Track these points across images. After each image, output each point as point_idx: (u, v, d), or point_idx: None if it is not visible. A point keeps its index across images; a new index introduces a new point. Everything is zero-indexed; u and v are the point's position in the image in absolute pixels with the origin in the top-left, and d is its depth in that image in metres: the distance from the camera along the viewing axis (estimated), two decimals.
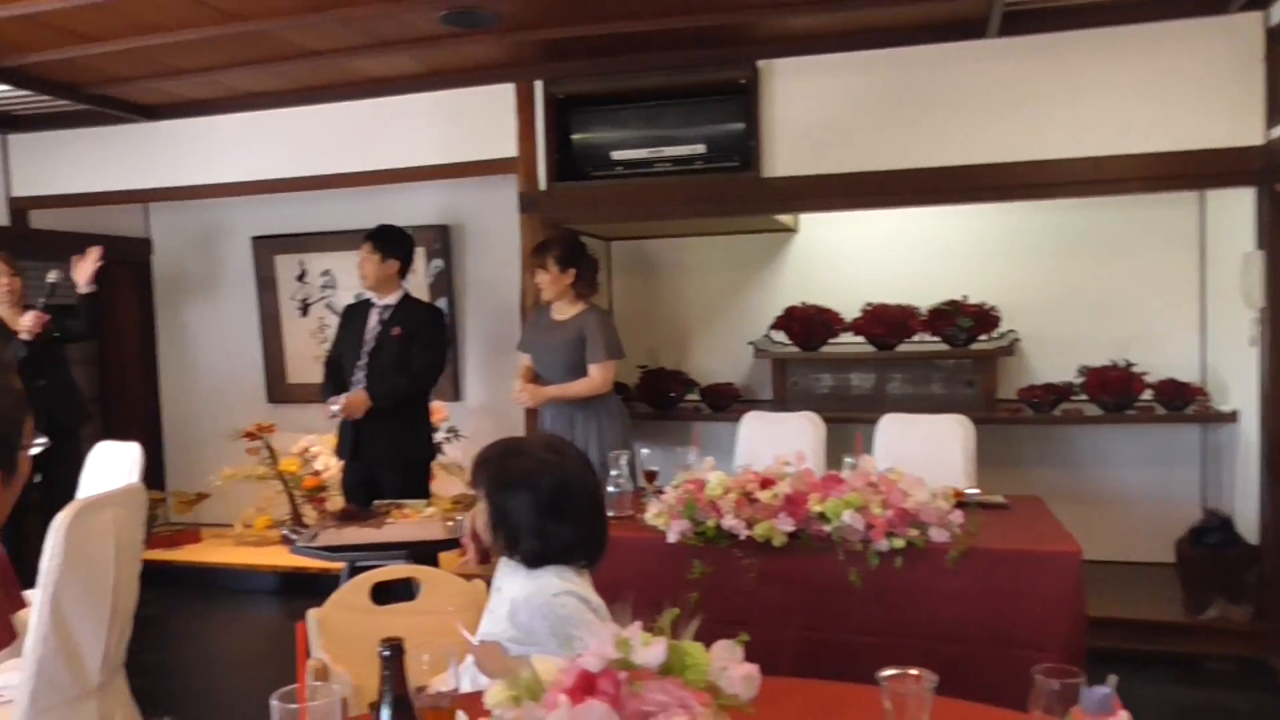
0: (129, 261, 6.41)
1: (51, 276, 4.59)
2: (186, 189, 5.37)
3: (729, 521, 2.84)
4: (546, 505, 1.81)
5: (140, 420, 6.37)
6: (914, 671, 1.24)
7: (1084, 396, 4.56)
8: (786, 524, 2.81)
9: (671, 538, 2.89)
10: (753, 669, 1.04)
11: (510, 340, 4.85)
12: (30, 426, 1.18)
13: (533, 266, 4.17)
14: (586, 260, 4.11)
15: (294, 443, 5.85)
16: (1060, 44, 4.03)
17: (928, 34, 4.13)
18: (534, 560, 1.82)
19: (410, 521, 3.57)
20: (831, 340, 4.91)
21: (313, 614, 2.10)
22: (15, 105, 5.18)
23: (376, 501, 3.88)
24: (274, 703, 1.30)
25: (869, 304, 4.83)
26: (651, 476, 3.50)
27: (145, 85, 4.81)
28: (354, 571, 3.56)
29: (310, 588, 5.30)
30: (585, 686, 0.95)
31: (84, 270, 4.65)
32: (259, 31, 3.97)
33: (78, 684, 2.54)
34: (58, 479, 3.89)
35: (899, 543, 2.74)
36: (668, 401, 5.08)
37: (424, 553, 3.51)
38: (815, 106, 4.30)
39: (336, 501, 5.48)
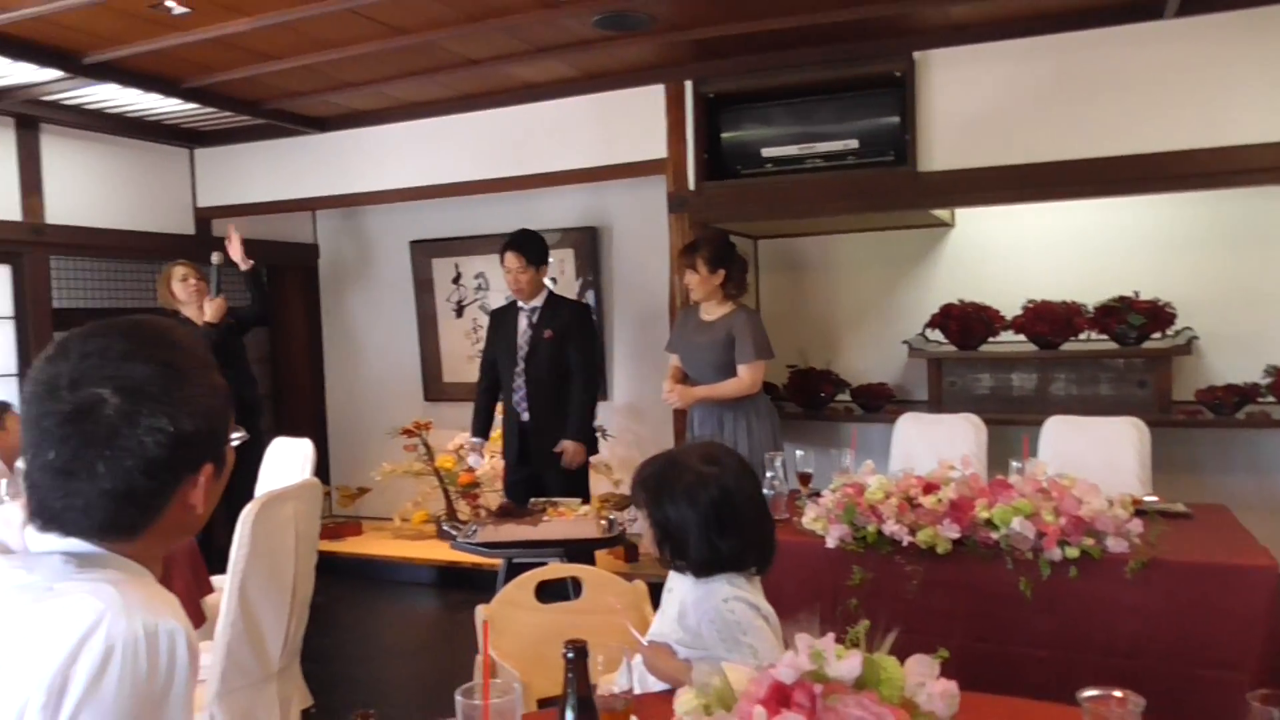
0: (298, 266, 6.77)
1: (215, 259, 4.96)
2: (351, 196, 5.62)
3: (890, 527, 2.77)
4: (711, 519, 1.79)
5: (308, 417, 6.71)
6: (1118, 693, 1.16)
7: (1271, 398, 4.25)
8: (951, 530, 2.72)
9: (830, 543, 2.84)
10: (952, 686, 1.00)
11: (658, 341, 4.87)
12: (232, 420, 1.25)
13: (682, 267, 4.18)
14: (736, 260, 4.08)
15: (449, 440, 6.05)
16: (1245, 21, 3.76)
17: (1097, 17, 3.92)
18: (703, 570, 1.81)
19: (565, 520, 3.63)
20: (991, 339, 4.73)
21: (480, 610, 2.15)
22: (203, 122, 5.53)
23: (533, 499, 3.95)
24: (458, 699, 1.33)
25: (1031, 301, 4.63)
26: (806, 479, 3.46)
27: (317, 99, 5.06)
28: (511, 567, 3.65)
29: (466, 581, 5.48)
30: (779, 698, 0.93)
31: (234, 248, 4.98)
32: (423, 43, 4.12)
33: (261, 667, 2.69)
34: (238, 471, 4.12)
35: (1073, 552, 2.61)
36: (818, 402, 5.00)
37: (579, 550, 3.57)
38: (974, 97, 4.15)
39: (490, 498, 5.63)
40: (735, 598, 1.75)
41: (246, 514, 2.57)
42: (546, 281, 4.54)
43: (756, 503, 1.87)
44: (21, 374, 5.18)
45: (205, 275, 4.94)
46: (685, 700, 0.98)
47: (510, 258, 4.36)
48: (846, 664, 0.96)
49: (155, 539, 1.18)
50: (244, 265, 4.99)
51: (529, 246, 4.38)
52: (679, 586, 1.86)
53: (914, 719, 0.96)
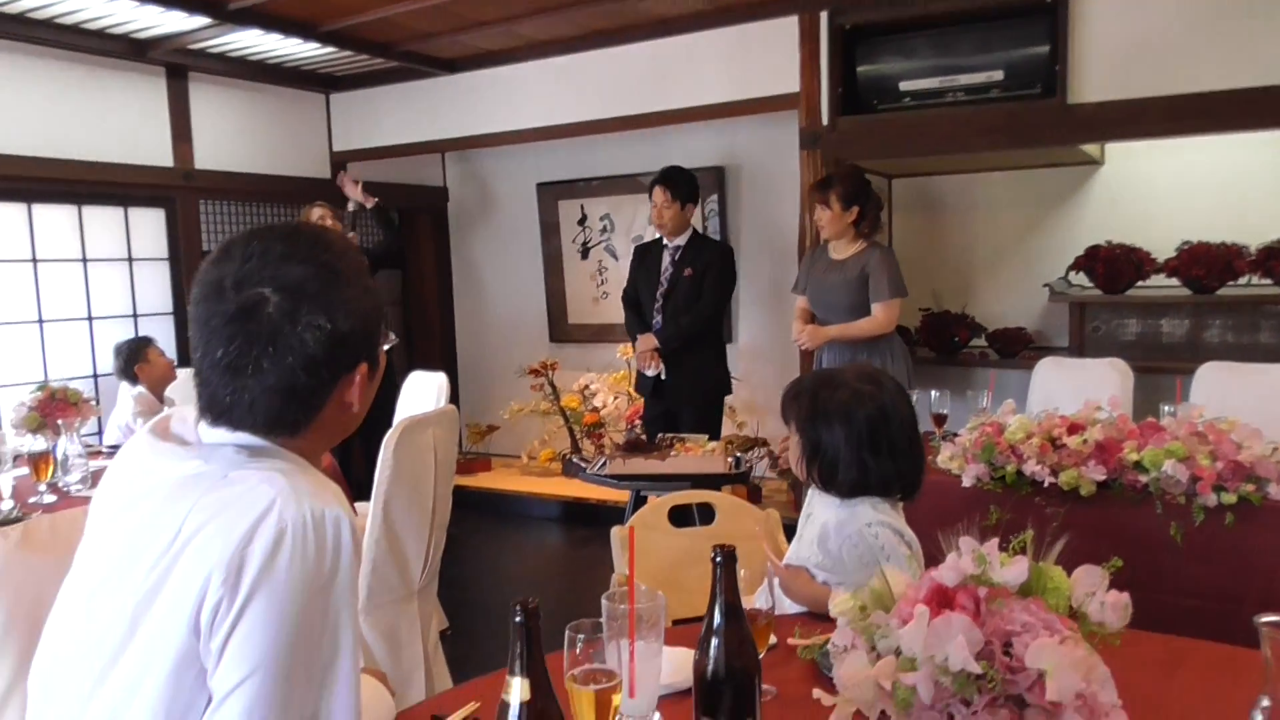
0: (428, 209, 6.92)
1: (351, 206, 5.36)
2: (480, 137, 5.69)
3: (1031, 467, 2.67)
4: (864, 438, 1.75)
5: (439, 355, 6.90)
6: None
7: None
8: (1097, 472, 2.60)
9: (967, 482, 2.76)
10: (1124, 597, 0.95)
11: (785, 284, 4.79)
12: (384, 325, 1.28)
13: (813, 203, 4.08)
14: (871, 198, 3.96)
15: (574, 380, 6.14)
16: None
17: None
18: (851, 492, 1.77)
19: (693, 455, 3.64)
20: (1140, 283, 4.49)
21: (616, 530, 2.17)
22: (337, 66, 5.67)
23: (660, 435, 3.97)
24: (604, 603, 1.34)
25: (1185, 242, 4.37)
26: (941, 420, 3.37)
27: (448, 39, 5.12)
28: (639, 501, 3.69)
29: (591, 517, 5.58)
30: (941, 600, 0.91)
31: (352, 190, 5.38)
32: None
33: (404, 585, 2.80)
34: (376, 400, 4.29)
35: (1230, 498, 2.47)
36: (952, 346, 4.86)
37: (705, 486, 3.57)
38: (1132, 22, 3.89)
39: (614, 438, 5.70)
40: (879, 522, 1.72)
41: (389, 438, 2.66)
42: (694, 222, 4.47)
43: (910, 428, 1.81)
44: (177, 314, 5.48)
45: (340, 217, 5.10)
46: (842, 601, 0.97)
47: (657, 191, 4.33)
48: (1012, 570, 0.92)
49: (316, 436, 1.23)
50: (368, 203, 5.30)
51: (677, 182, 4.34)
52: (820, 511, 1.83)
53: (1083, 628, 0.92)
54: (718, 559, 1.18)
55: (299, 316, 1.14)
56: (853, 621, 0.94)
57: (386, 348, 1.33)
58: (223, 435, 1.18)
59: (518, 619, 1.02)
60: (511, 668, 1.02)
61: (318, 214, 4.99)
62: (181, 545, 1.07)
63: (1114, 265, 4.46)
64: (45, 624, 1.24)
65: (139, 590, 1.09)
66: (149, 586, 1.08)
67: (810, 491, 1.90)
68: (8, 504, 2.82)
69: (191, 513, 1.09)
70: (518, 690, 1.01)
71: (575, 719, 1.16)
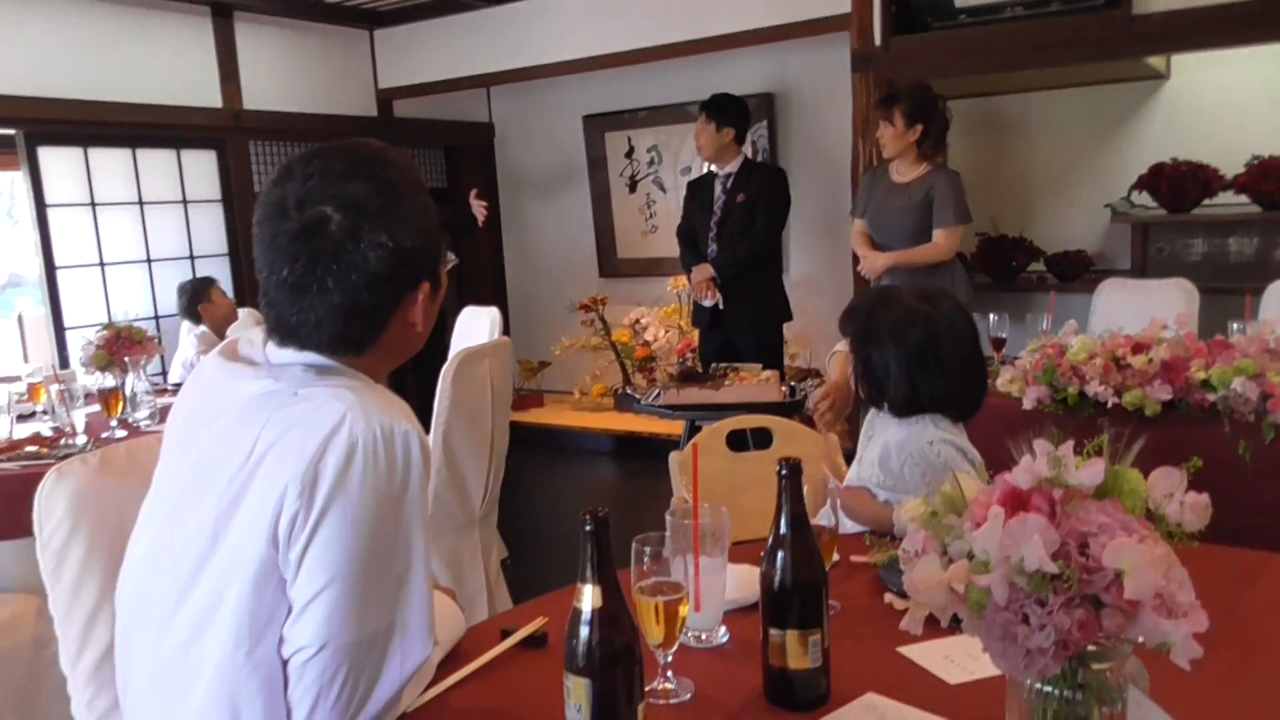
0: (475, 145, 6.90)
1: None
2: (525, 70, 5.63)
3: (1094, 388, 2.62)
4: (915, 356, 1.73)
5: (489, 292, 6.93)
6: None
7: None
8: (1163, 392, 2.55)
9: (1027, 404, 2.72)
10: (1204, 498, 0.94)
11: (838, 212, 4.72)
12: (446, 244, 1.28)
13: (876, 120, 3.94)
14: (936, 116, 3.81)
15: (625, 315, 6.13)
16: None
17: None
18: (904, 409, 1.76)
19: (747, 384, 3.63)
20: (1207, 201, 4.35)
21: (674, 455, 2.18)
22: (380, 1, 5.63)
23: (714, 365, 3.96)
24: (669, 519, 1.36)
25: (1255, 157, 4.21)
26: (1000, 344, 3.32)
27: None
28: (693, 432, 3.70)
29: (644, 450, 5.62)
30: (1015, 503, 0.90)
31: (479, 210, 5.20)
32: None
33: (465, 513, 2.85)
34: (431, 334, 4.34)
35: None
36: (1010, 271, 4.77)
37: (760, 415, 3.56)
38: None
39: (667, 370, 5.70)
40: (941, 439, 1.71)
41: (447, 369, 2.69)
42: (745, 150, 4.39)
43: (968, 347, 1.79)
44: (232, 255, 5.55)
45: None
46: (912, 507, 0.96)
47: (700, 118, 4.26)
48: (1087, 471, 0.91)
49: (381, 355, 1.24)
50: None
51: (717, 107, 4.26)
52: (881, 431, 1.82)
53: (1161, 529, 0.91)
54: (783, 471, 1.18)
55: (361, 234, 1.14)
56: (924, 525, 0.93)
57: (449, 267, 1.33)
58: (290, 355, 1.19)
59: (588, 528, 1.03)
60: (582, 575, 1.03)
61: None
62: (257, 461, 1.10)
63: (1179, 183, 4.32)
64: (128, 545, 1.28)
65: (218, 505, 1.12)
66: (227, 501, 1.11)
67: (870, 414, 1.89)
68: (81, 439, 2.91)
69: (265, 429, 1.11)
70: (589, 597, 1.02)
71: (643, 631, 1.18)
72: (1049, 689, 0.93)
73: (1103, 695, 0.89)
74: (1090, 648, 0.87)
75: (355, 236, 1.14)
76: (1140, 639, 0.87)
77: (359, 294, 1.16)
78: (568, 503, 5.15)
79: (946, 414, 1.77)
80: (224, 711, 1.13)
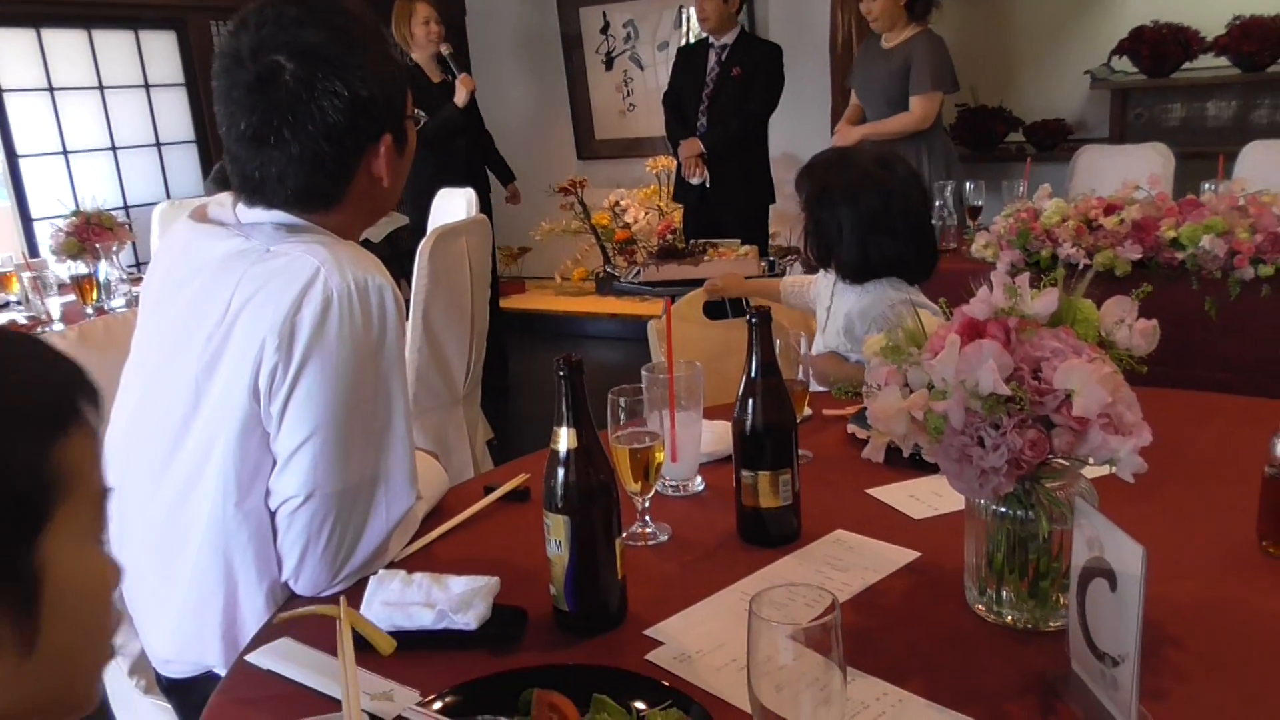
0: (446, 23, 6.68)
1: (444, 49, 4.67)
2: None
3: (1066, 250, 2.65)
4: (865, 220, 1.74)
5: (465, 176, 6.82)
6: None
7: None
8: (1133, 252, 2.58)
9: (1001, 268, 2.75)
10: (1152, 323, 0.97)
11: (816, 89, 4.63)
12: (411, 98, 1.26)
13: None
14: None
15: (604, 197, 6.08)
16: None
17: None
18: (854, 274, 1.78)
19: (726, 259, 3.63)
20: (1187, 65, 4.30)
21: (653, 324, 2.21)
22: None
23: (693, 240, 3.95)
24: (644, 372, 1.39)
25: (1237, 16, 4.15)
26: (975, 212, 3.33)
27: None
28: None
29: (624, 333, 5.65)
30: (972, 333, 0.93)
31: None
32: None
33: (448, 391, 2.89)
34: (411, 218, 4.30)
35: (1267, 270, 2.44)
36: (988, 142, 4.74)
37: None
38: None
39: (646, 252, 5.69)
40: (905, 301, 1.73)
41: (424, 246, 2.68)
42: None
43: (919, 215, 1.80)
44: (200, 141, 5.44)
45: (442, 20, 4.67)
46: (874, 341, 0.99)
47: None
48: (1042, 301, 0.94)
49: (350, 213, 1.23)
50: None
51: None
52: (839, 302, 1.84)
53: (1112, 355, 0.94)
54: (753, 319, 1.21)
55: (316, 83, 1.13)
56: (886, 356, 0.96)
57: (418, 126, 1.31)
58: (260, 214, 1.19)
59: (561, 373, 1.06)
60: (558, 419, 1.07)
61: (424, 14, 4.50)
62: (234, 316, 1.11)
63: (1160, 46, 4.27)
64: (110, 413, 1.30)
65: (198, 363, 1.13)
66: (208, 358, 1.13)
67: (822, 286, 1.90)
68: (59, 326, 2.91)
69: (240, 285, 1.12)
70: (565, 439, 1.06)
71: (621, 478, 1.22)
72: (1004, 509, 0.98)
73: (1053, 512, 0.94)
74: (1042, 466, 0.92)
75: (310, 85, 1.13)
76: (1089, 457, 0.91)
77: (318, 145, 1.15)
78: (552, 386, 5.20)
79: (900, 276, 1.79)
80: (218, 563, 1.17)
